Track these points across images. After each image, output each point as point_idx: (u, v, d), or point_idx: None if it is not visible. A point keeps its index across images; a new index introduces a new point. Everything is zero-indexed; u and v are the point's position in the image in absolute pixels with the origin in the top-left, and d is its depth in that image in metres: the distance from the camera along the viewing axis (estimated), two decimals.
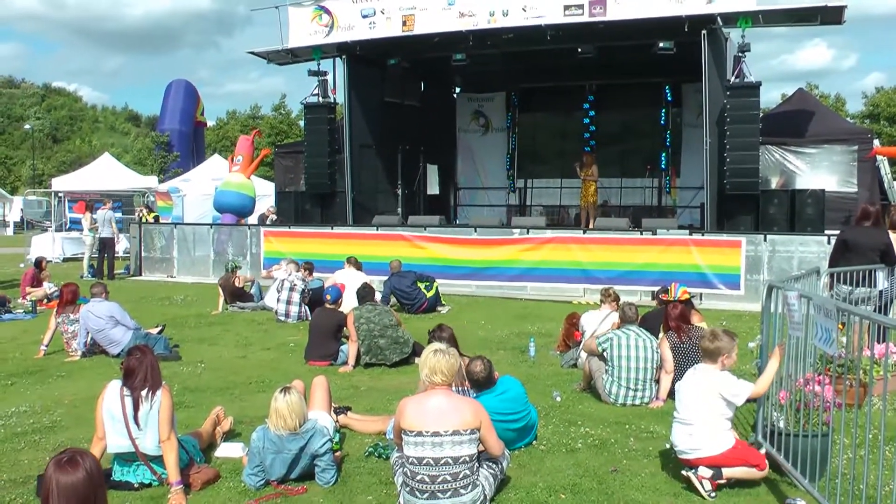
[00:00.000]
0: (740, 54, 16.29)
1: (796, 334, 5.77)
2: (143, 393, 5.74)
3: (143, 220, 22.82)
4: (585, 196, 20.59)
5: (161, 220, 24.30)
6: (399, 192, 21.72)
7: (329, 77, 20.02)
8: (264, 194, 26.86)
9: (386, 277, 14.84)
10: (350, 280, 13.45)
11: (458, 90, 26.17)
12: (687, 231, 16.16)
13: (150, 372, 5.78)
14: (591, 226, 18.70)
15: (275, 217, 22.20)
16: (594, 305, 11.19)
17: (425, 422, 5.17)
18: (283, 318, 13.32)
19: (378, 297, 13.62)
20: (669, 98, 22.57)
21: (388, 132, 21.19)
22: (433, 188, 23.47)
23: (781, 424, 5.83)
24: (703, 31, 16.01)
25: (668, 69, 20.31)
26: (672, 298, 9.00)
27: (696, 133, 19.56)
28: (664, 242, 15.53)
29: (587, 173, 20.42)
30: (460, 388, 6.31)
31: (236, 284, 14.99)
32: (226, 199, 22.23)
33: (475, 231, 17.34)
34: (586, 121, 23.60)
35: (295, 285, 13.44)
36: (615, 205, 23.21)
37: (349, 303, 11.41)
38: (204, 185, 29.50)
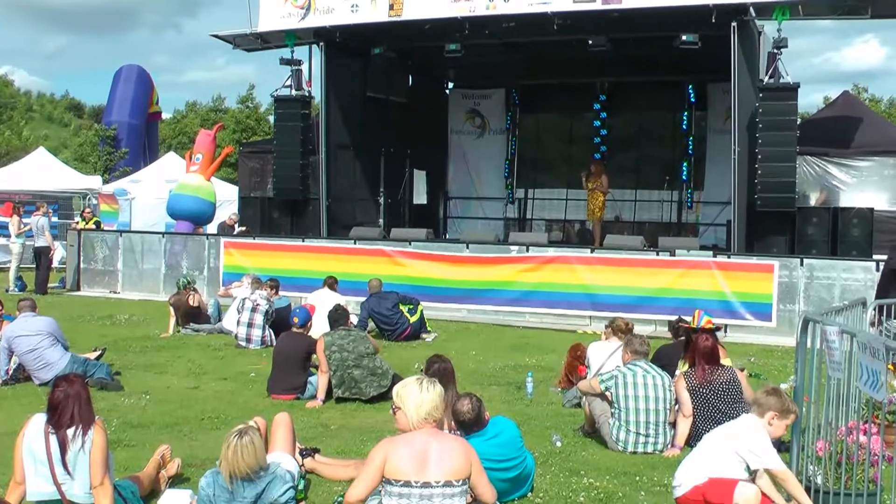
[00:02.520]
0: (776, 51, 16.34)
1: (837, 375, 5.72)
2: (72, 431, 5.62)
3: (82, 225, 22.66)
4: (592, 209, 20.59)
5: (104, 227, 24.12)
6: (381, 200, 21.70)
7: (304, 67, 20.03)
8: (226, 199, 26.74)
9: (363, 299, 14.78)
10: (322, 301, 13.40)
11: (451, 85, 26.21)
12: (710, 252, 16.15)
13: (80, 406, 5.66)
14: (599, 243, 18.69)
15: (238, 226, 22.10)
16: (600, 336, 11.17)
17: (414, 470, 5.10)
18: (243, 344, 13.22)
19: (354, 320, 13.59)
20: (693, 99, 22.65)
21: (369, 132, 21.15)
22: (420, 197, 23.43)
23: (819, 481, 5.77)
24: (733, 24, 16.04)
25: (692, 66, 20.35)
26: (695, 325, 8.96)
27: (722, 140, 19.58)
28: (684, 265, 15.51)
29: (595, 183, 20.39)
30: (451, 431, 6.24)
31: (190, 303, 14.89)
32: (181, 204, 22.13)
33: (467, 247, 17.29)
34: (597, 123, 23.65)
35: (258, 305, 13.35)
36: (628, 220, 23.24)
37: (320, 327, 11.32)
38: (156, 186, 29.36)
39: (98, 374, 10.23)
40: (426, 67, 23.63)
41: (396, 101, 22.86)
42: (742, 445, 5.68)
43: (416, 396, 5.31)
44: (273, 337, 12.97)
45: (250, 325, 13.29)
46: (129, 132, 45.06)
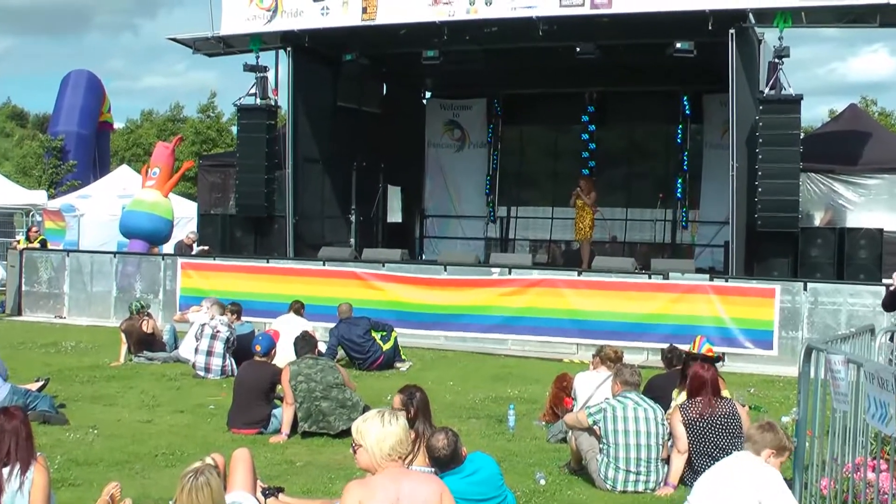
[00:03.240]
0: (777, 60, 16.45)
1: (842, 408, 5.74)
2: (9, 470, 5.55)
3: (24, 245, 22.48)
4: (580, 228, 20.64)
5: (49, 246, 23.95)
6: (352, 218, 21.69)
7: (270, 74, 19.99)
8: (184, 217, 26.62)
9: (332, 325, 14.75)
10: (287, 327, 13.35)
11: (428, 95, 26.26)
12: (707, 276, 16.22)
13: (18, 442, 5.59)
14: (587, 266, 18.74)
15: (196, 245, 21.99)
16: (588, 365, 11.18)
17: None
18: (201, 373, 13.15)
19: (322, 348, 13.61)
20: (688, 112, 22.73)
21: (340, 144, 21.17)
22: (394, 215, 23.42)
23: None
24: (731, 31, 16.17)
25: (687, 76, 20.52)
26: (695, 351, 9.00)
27: (720, 155, 19.68)
28: (678, 289, 15.58)
29: (587, 199, 20.39)
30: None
31: (144, 329, 14.80)
32: (135, 222, 22.01)
33: (445, 269, 17.29)
34: (585, 137, 23.74)
35: (218, 332, 13.28)
36: (619, 241, 23.31)
37: (285, 355, 11.28)
38: (108, 202, 29.17)
39: (40, 407, 10.11)
40: (402, 75, 23.66)
41: (369, 112, 22.87)
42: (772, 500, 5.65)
43: (378, 431, 5.24)
44: (234, 366, 12.90)
45: (209, 353, 13.21)
46: (78, 143, 44.70)
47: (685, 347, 9.73)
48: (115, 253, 20.84)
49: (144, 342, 14.75)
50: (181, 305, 18.02)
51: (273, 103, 20.11)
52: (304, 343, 10.45)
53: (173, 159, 23.55)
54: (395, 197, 23.40)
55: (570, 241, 22.72)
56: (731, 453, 6.95)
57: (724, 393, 8.55)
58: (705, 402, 7.84)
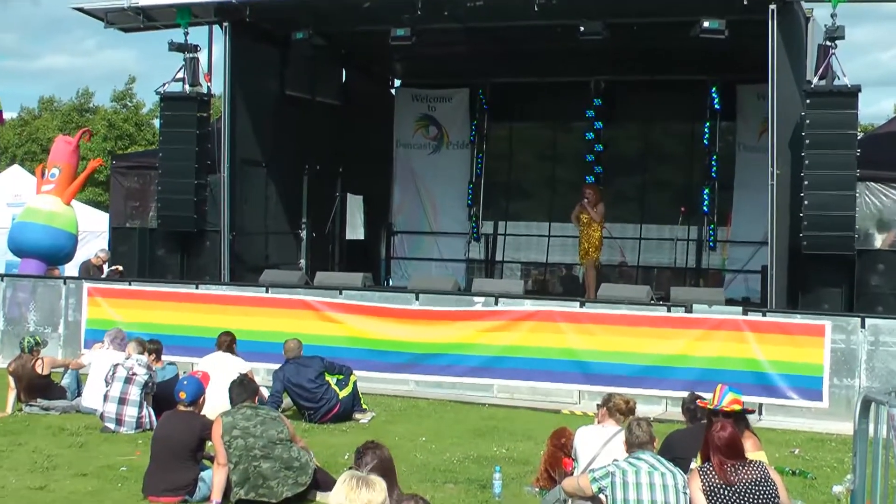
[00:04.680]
0: (829, 43, 16.50)
1: None
2: None
3: None
4: (586, 249, 20.56)
5: None
6: (303, 234, 21.73)
7: (202, 55, 20.06)
8: (91, 231, 26.50)
9: (277, 366, 14.65)
10: (219, 368, 13.21)
11: (397, 83, 26.35)
12: (740, 308, 16.20)
13: None
14: (592, 295, 18.74)
15: (108, 267, 21.87)
16: (593, 418, 11.11)
17: None
18: (111, 426, 13.02)
19: (265, 394, 13.57)
20: (717, 106, 22.86)
21: (288, 143, 21.22)
22: (355, 231, 23.38)
23: None
24: (772, 6, 16.18)
25: (717, 62, 20.64)
26: (713, 406, 8.93)
27: (757, 160, 19.76)
28: (704, 324, 15.55)
29: (593, 213, 20.29)
30: None
31: (38, 371, 14.67)
32: (28, 236, 21.85)
33: (417, 299, 17.25)
34: (590, 136, 23.80)
35: (134, 374, 13.16)
36: (631, 265, 23.35)
37: (217, 403, 11.21)
38: None
39: None
40: (365, 59, 23.72)
41: (325, 104, 22.93)
42: None
43: (341, 497, 5.21)
44: (153, 417, 12.79)
45: (122, 400, 13.06)
46: None
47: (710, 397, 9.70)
48: (2, 275, 20.62)
49: (39, 387, 14.58)
50: (86, 342, 17.87)
51: (205, 91, 20.10)
52: (241, 389, 10.35)
53: (78, 158, 23.37)
54: (356, 208, 23.36)
55: (571, 265, 22.77)
56: None
57: (759, 454, 8.50)
58: (727, 467, 7.74)
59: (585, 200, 20.42)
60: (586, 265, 20.78)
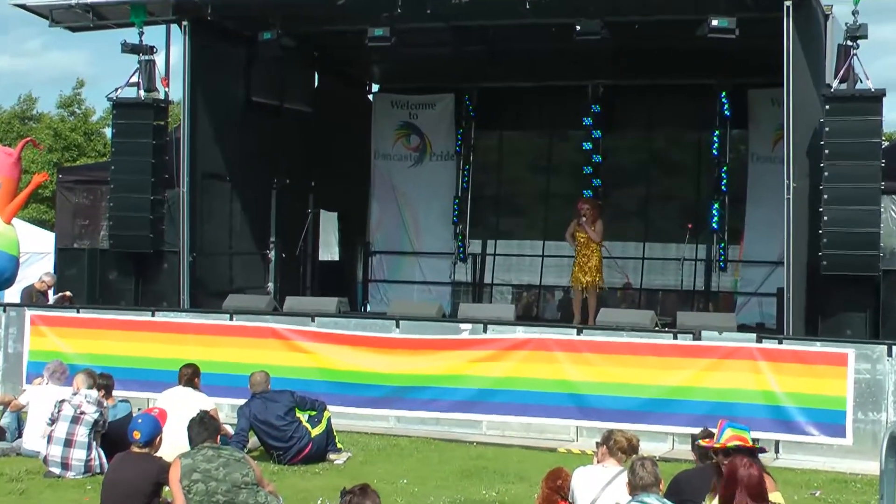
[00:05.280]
0: (850, 43, 16.52)
1: None
2: None
3: None
4: (583, 271, 20.45)
5: None
6: (271, 255, 21.68)
7: (159, 57, 19.99)
8: (35, 252, 26.41)
9: (242, 401, 14.56)
10: (178, 405, 13.16)
11: (375, 89, 26.38)
12: (753, 335, 16.21)
13: None
14: (591, 321, 18.74)
15: (53, 292, 21.79)
16: (592, 457, 11.08)
17: None
18: (57, 471, 12.92)
19: (228, 431, 13.54)
20: (727, 113, 22.91)
21: (255, 154, 21.20)
22: (329, 251, 23.37)
23: None
24: (787, 3, 16.15)
25: (727, 64, 20.72)
26: (717, 445, 8.89)
27: (771, 172, 19.84)
28: (715, 353, 15.52)
29: (591, 231, 20.18)
30: None
31: None
32: None
33: (397, 326, 17.23)
34: (588, 146, 23.84)
35: (83, 413, 13.07)
36: (633, 287, 23.33)
37: (175, 444, 11.17)
38: None
39: None
40: (340, 62, 23.76)
41: (295, 111, 22.95)
42: None
43: None
44: (104, 460, 12.72)
45: (69, 442, 12.95)
46: None
47: None
48: None
49: None
50: (29, 376, 17.71)
51: (163, 97, 20.07)
52: (202, 427, 10.30)
53: (20, 171, 23.17)
54: (329, 227, 23.37)
55: (567, 288, 22.68)
56: None
57: (775, 496, 8.47)
58: None
59: (583, 218, 20.29)
60: (587, 289, 20.37)
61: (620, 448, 9.53)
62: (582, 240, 20.44)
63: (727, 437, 8.84)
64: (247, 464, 9.98)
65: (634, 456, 9.04)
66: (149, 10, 19.50)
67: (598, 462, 9.75)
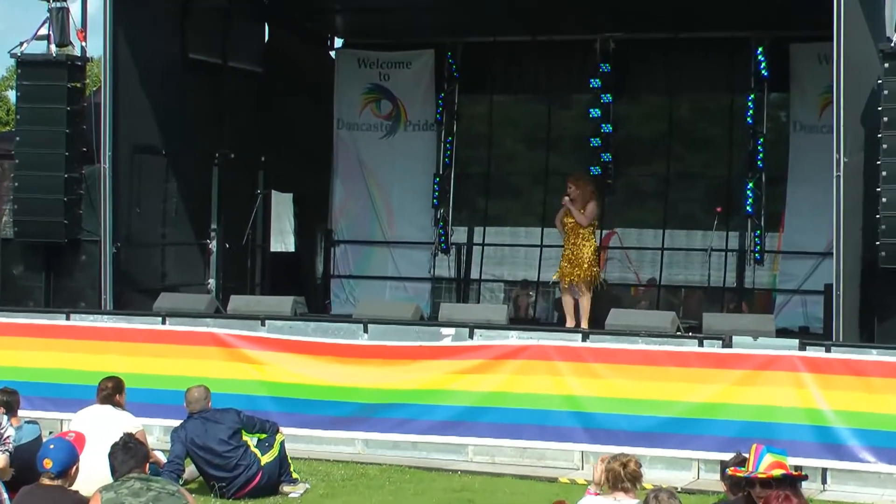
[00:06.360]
0: None
1: None
2: None
3: None
4: (571, 262, 20.01)
5: None
6: (213, 246, 21.72)
7: (74, 5, 19.97)
8: None
9: (178, 422, 14.53)
10: (98, 427, 13.11)
11: (339, 43, 26.36)
12: (796, 342, 16.19)
13: None
14: (583, 325, 18.81)
15: None
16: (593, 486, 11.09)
17: None
18: None
19: (160, 458, 13.58)
20: (765, 73, 22.79)
21: (192, 124, 21.24)
22: (283, 240, 23.33)
23: None
24: None
25: (764, 14, 20.72)
26: (747, 474, 8.87)
27: (817, 144, 19.89)
28: (749, 363, 15.50)
29: (578, 212, 19.76)
30: None
31: None
32: None
33: (366, 331, 17.24)
34: (596, 113, 23.84)
35: None
36: (649, 283, 23.35)
37: (94, 474, 11.19)
38: None
39: None
40: (295, 11, 23.72)
41: (242, 71, 23.01)
42: None
43: None
44: (4, 496, 12.63)
45: None
46: None
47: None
48: None
49: None
50: None
51: (79, 54, 19.97)
52: (127, 454, 10.22)
53: None
54: (283, 211, 23.33)
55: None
56: None
57: None
58: None
59: (567, 198, 19.86)
60: (578, 287, 19.77)
61: (634, 477, 9.46)
62: (570, 225, 19.87)
63: (767, 464, 8.81)
64: (182, 498, 9.91)
65: (651, 488, 9.01)
66: None
67: (610, 495, 9.69)
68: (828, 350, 15.54)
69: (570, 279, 19.86)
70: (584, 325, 18.63)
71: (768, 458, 8.87)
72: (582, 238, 19.71)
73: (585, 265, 19.70)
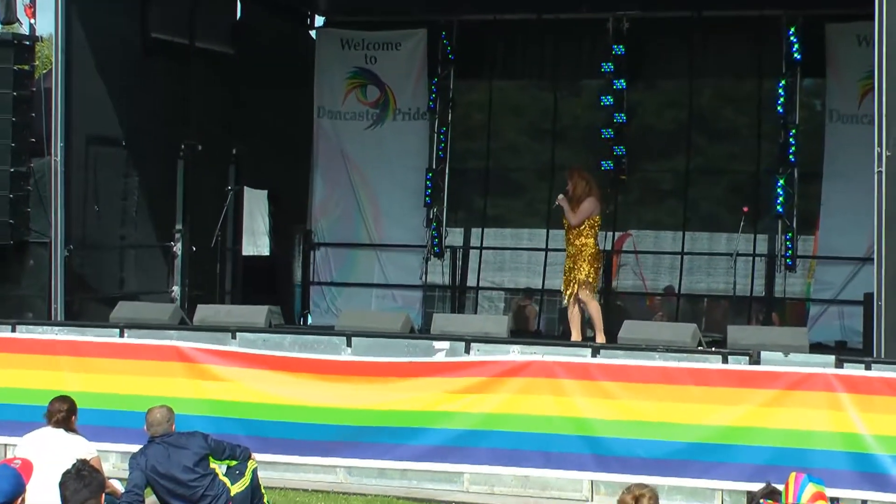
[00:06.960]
0: None
1: None
2: None
3: None
4: (574, 270, 19.73)
5: None
6: (177, 249, 21.71)
7: None
8: None
9: (137, 448, 14.42)
10: (48, 453, 13.09)
11: (320, 22, 26.46)
12: (832, 359, 16.14)
13: None
14: (598, 338, 18.84)
15: None
16: None
17: None
18: None
19: (117, 488, 13.51)
20: (797, 55, 22.86)
21: (156, 112, 21.27)
22: (257, 243, 23.29)
23: None
24: None
25: None
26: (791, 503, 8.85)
27: (856, 135, 19.90)
28: (779, 382, 15.50)
29: (571, 212, 19.40)
30: None
31: None
32: None
33: (349, 344, 17.21)
34: (608, 101, 23.82)
35: None
36: (667, 290, 23.38)
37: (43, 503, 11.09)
38: None
39: None
40: None
41: (211, 52, 23.02)
42: None
43: None
44: None
45: None
46: None
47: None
48: None
49: None
50: None
51: (27, 32, 20.02)
52: (80, 483, 10.21)
53: None
54: (257, 209, 23.32)
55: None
56: None
57: None
58: None
59: (561, 195, 19.39)
60: (581, 293, 19.76)
61: None
62: (567, 225, 19.48)
63: (810, 495, 8.78)
64: None
65: None
66: None
67: None
68: (868, 367, 15.50)
69: (570, 288, 19.36)
70: (600, 337, 18.51)
71: (810, 489, 8.84)
72: (582, 239, 19.20)
73: (585, 272, 19.33)
